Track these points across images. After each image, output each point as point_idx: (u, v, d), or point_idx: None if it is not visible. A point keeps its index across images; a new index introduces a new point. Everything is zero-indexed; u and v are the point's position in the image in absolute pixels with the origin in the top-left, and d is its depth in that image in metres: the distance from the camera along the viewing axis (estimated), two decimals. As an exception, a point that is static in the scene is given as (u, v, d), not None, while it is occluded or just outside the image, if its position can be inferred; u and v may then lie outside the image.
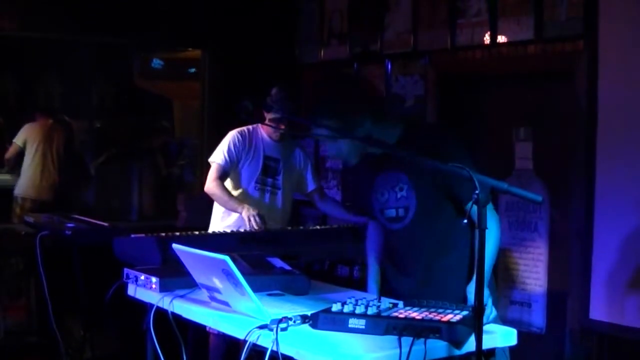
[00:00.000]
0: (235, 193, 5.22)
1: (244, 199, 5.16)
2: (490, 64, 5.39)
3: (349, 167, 3.69)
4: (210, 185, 5.09)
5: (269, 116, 5.13)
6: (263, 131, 5.32)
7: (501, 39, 5.34)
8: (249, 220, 4.70)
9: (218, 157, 5.19)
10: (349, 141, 3.37)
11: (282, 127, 5.14)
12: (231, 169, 5.20)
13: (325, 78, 5.04)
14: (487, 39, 5.42)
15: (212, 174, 5.14)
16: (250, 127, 5.32)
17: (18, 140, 8.48)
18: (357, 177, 3.62)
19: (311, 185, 5.46)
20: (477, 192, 2.64)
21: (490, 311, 3.10)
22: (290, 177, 5.38)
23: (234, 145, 5.22)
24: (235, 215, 5.08)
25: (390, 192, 3.50)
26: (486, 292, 3.05)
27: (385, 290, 3.69)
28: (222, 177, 5.13)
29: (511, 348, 3.34)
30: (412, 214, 3.45)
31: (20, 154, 8.50)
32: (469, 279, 3.37)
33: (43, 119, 8.60)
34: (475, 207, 3.17)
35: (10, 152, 8.61)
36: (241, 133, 5.28)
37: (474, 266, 3.26)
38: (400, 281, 3.59)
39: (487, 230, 3.24)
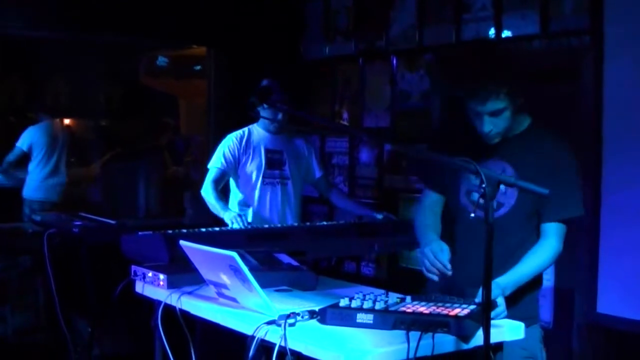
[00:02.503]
0: (246, 193, 5.25)
1: (257, 197, 5.23)
2: (495, 59, 5.39)
3: (456, 133, 3.68)
4: (203, 189, 5.16)
5: (263, 111, 5.15)
6: (260, 128, 5.35)
7: (506, 34, 5.34)
8: (232, 222, 4.72)
9: (214, 162, 5.25)
10: (510, 115, 3.33)
11: (279, 116, 5.17)
12: (231, 172, 5.25)
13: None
14: (492, 34, 5.42)
15: (207, 179, 5.21)
16: (245, 128, 5.36)
17: (22, 144, 8.42)
18: (457, 151, 3.26)
19: (318, 172, 5.49)
20: (484, 185, 2.64)
21: (502, 310, 3.10)
22: (297, 165, 5.40)
23: (230, 148, 5.26)
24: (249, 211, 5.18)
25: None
26: (496, 290, 3.05)
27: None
28: (216, 181, 5.19)
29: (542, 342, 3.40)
30: (506, 210, 3.39)
31: (23, 158, 8.46)
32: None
33: (47, 120, 8.59)
34: (547, 227, 3.37)
35: (13, 156, 8.55)
36: (236, 136, 5.32)
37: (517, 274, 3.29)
38: (463, 266, 3.44)
39: (547, 245, 3.39)
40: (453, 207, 3.64)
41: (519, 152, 3.38)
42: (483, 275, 2.67)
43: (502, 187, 3.28)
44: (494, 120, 3.32)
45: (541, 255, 3.36)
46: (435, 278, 3.34)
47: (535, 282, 3.41)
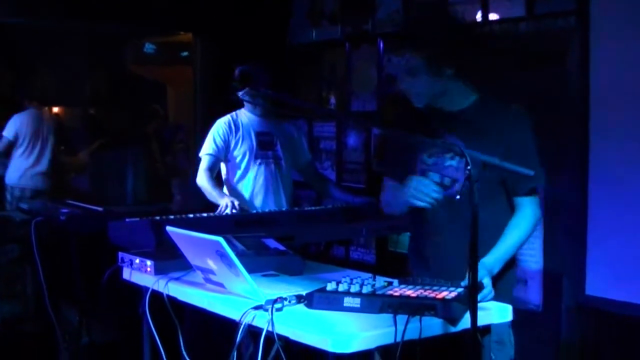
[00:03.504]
0: (238, 176, 5.24)
1: (251, 178, 5.26)
2: (482, 42, 5.38)
3: (403, 118, 3.63)
4: (198, 178, 5.17)
5: (244, 95, 5.15)
6: (247, 112, 5.35)
7: (493, 16, 5.33)
8: (225, 207, 4.70)
9: (205, 149, 5.26)
10: (429, 80, 3.28)
11: (258, 99, 5.17)
12: (223, 157, 5.24)
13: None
14: (478, 16, 5.41)
15: (200, 167, 5.21)
16: (233, 113, 5.36)
17: (8, 133, 8.37)
18: (408, 132, 3.33)
19: (307, 155, 5.51)
20: (469, 167, 2.63)
21: (488, 291, 3.09)
22: (288, 146, 5.41)
23: (219, 133, 5.27)
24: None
25: (440, 157, 3.39)
26: (482, 271, 3.03)
27: (414, 252, 3.63)
28: (211, 168, 5.20)
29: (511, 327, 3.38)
30: (458, 187, 3.33)
31: (10, 146, 8.42)
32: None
33: (32, 107, 8.54)
34: (520, 200, 3.32)
35: (1, 145, 8.52)
36: (225, 120, 5.33)
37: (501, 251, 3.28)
38: (430, 247, 3.49)
39: (523, 216, 3.34)
40: None
41: (468, 126, 3.31)
42: (468, 257, 2.65)
43: (453, 162, 3.31)
44: (411, 80, 3.31)
45: (521, 226, 3.34)
46: (422, 204, 3.24)
47: (507, 267, 3.37)
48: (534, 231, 3.41)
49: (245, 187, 5.27)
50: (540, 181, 3.38)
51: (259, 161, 5.27)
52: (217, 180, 5.21)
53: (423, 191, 3.20)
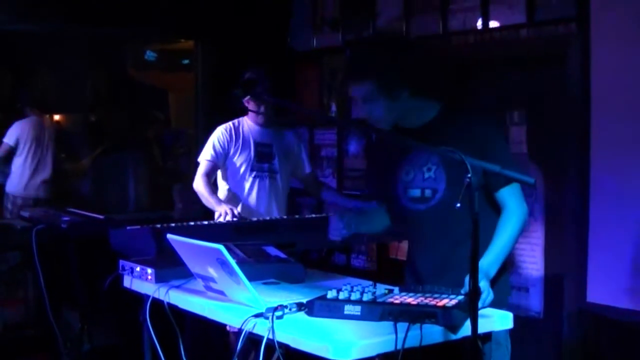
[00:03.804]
0: (234, 184, 5.25)
1: (245, 189, 5.26)
2: (483, 49, 5.39)
3: (376, 142, 3.63)
4: (195, 182, 5.17)
5: (248, 103, 5.16)
6: (249, 120, 5.35)
7: (493, 23, 5.33)
8: (220, 216, 4.71)
9: (204, 155, 5.26)
10: (386, 104, 3.28)
11: (262, 108, 5.17)
12: (221, 164, 5.25)
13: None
14: (479, 23, 5.42)
15: (198, 172, 5.22)
16: (235, 120, 5.36)
17: (9, 139, 8.37)
18: (384, 153, 3.48)
19: (307, 167, 5.50)
20: (469, 175, 2.63)
21: (487, 295, 3.08)
22: (286, 159, 5.41)
23: (219, 140, 5.27)
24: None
25: (418, 171, 3.41)
26: (481, 274, 3.03)
27: (409, 268, 3.62)
28: (208, 174, 5.20)
29: (509, 332, 3.36)
30: (439, 196, 3.35)
31: (11, 152, 8.42)
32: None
33: (33, 114, 8.54)
34: (502, 195, 3.29)
35: (1, 151, 8.51)
36: (226, 127, 5.33)
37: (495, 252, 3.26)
38: (423, 261, 3.50)
39: (510, 213, 3.30)
40: (397, 209, 3.61)
41: (435, 138, 3.23)
42: (469, 265, 2.65)
43: (431, 173, 3.32)
44: (368, 107, 3.32)
45: (510, 224, 3.30)
46: (335, 238, 3.48)
47: (500, 267, 3.36)
48: (524, 227, 3.37)
49: (238, 199, 5.27)
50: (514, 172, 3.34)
51: (254, 173, 5.27)
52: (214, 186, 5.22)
53: (335, 229, 3.46)
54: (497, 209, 3.36)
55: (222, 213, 4.70)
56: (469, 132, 3.28)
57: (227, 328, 4.83)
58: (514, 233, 3.32)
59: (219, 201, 4.97)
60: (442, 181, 3.35)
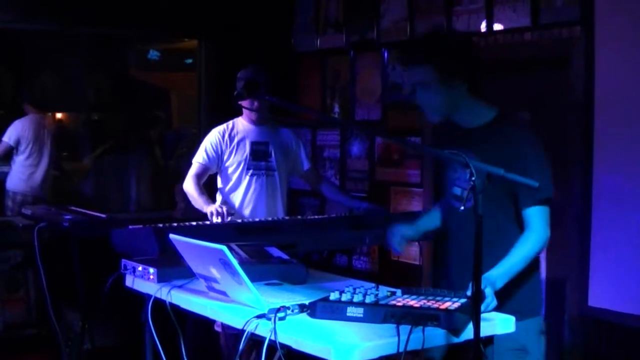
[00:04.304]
0: (231, 185, 5.25)
1: (243, 189, 5.24)
2: (487, 52, 5.38)
3: (438, 137, 3.68)
4: (185, 183, 5.19)
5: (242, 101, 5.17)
6: (244, 120, 5.34)
7: (497, 26, 5.33)
8: (211, 215, 4.71)
9: (197, 156, 5.28)
10: (442, 92, 3.30)
11: (256, 104, 5.16)
12: (214, 166, 5.26)
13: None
14: (483, 26, 5.42)
15: (189, 172, 5.23)
16: (230, 122, 5.36)
17: (9, 138, 8.35)
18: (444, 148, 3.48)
19: (306, 164, 5.48)
20: (473, 178, 2.63)
21: (490, 300, 3.08)
22: (284, 157, 5.40)
23: (212, 143, 5.28)
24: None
25: (463, 170, 3.41)
26: (484, 282, 3.03)
27: (441, 267, 3.67)
28: (199, 175, 5.21)
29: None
30: (471, 202, 3.36)
31: (10, 151, 8.40)
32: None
33: (34, 113, 8.53)
34: (528, 214, 3.28)
35: (1, 150, 8.49)
36: (219, 129, 5.33)
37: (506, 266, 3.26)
38: (454, 260, 3.54)
39: (531, 233, 3.30)
40: (444, 206, 3.67)
41: (482, 142, 3.31)
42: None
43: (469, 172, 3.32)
44: (423, 94, 3.33)
45: (527, 244, 3.29)
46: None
47: (529, 275, 3.37)
48: (540, 251, 3.36)
49: (236, 198, 5.27)
50: (548, 194, 3.34)
51: (250, 172, 5.27)
52: (205, 187, 5.22)
53: (394, 243, 3.78)
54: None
55: (212, 212, 4.70)
56: (512, 140, 3.29)
57: (215, 327, 4.86)
58: (529, 254, 3.30)
59: (208, 201, 4.97)
60: (479, 184, 3.34)
